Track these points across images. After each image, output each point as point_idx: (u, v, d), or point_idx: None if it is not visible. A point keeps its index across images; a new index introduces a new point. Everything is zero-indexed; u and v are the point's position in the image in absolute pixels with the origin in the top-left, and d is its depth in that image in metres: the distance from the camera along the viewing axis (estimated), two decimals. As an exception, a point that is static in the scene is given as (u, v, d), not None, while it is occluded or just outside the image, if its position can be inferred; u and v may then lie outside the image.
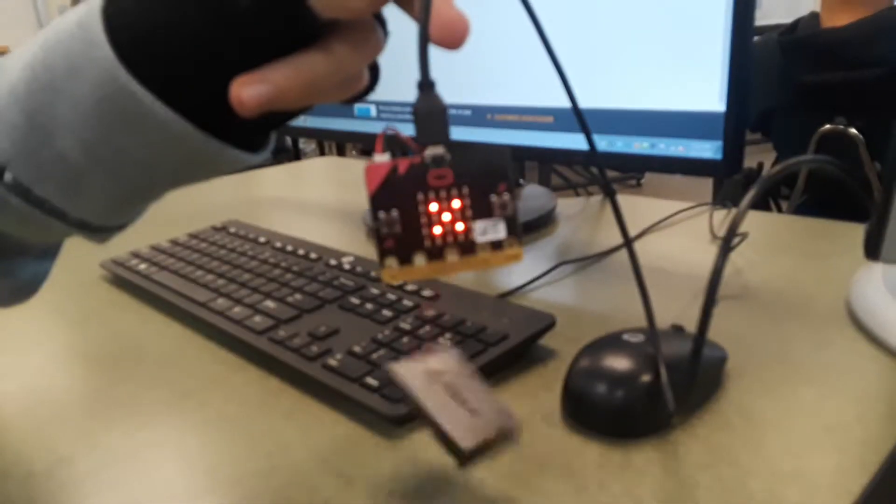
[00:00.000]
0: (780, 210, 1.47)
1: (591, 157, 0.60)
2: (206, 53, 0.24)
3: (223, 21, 0.23)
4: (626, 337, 0.38)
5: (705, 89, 0.50)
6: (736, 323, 0.47)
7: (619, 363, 0.36)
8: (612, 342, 0.38)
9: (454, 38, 0.24)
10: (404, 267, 0.25)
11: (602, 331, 0.40)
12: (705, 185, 1.85)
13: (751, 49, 0.49)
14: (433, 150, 0.24)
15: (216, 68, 0.24)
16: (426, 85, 0.24)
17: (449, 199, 0.25)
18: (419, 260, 0.25)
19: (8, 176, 0.25)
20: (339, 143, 3.23)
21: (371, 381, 0.39)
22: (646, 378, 0.35)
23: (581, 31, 0.55)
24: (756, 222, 0.67)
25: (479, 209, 0.25)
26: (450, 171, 0.25)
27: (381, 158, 0.25)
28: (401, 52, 0.42)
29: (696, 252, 0.61)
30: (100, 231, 0.28)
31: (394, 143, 0.28)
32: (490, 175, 0.25)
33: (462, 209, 0.25)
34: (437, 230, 0.25)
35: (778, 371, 0.41)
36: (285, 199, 0.92)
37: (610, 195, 0.32)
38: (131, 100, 0.23)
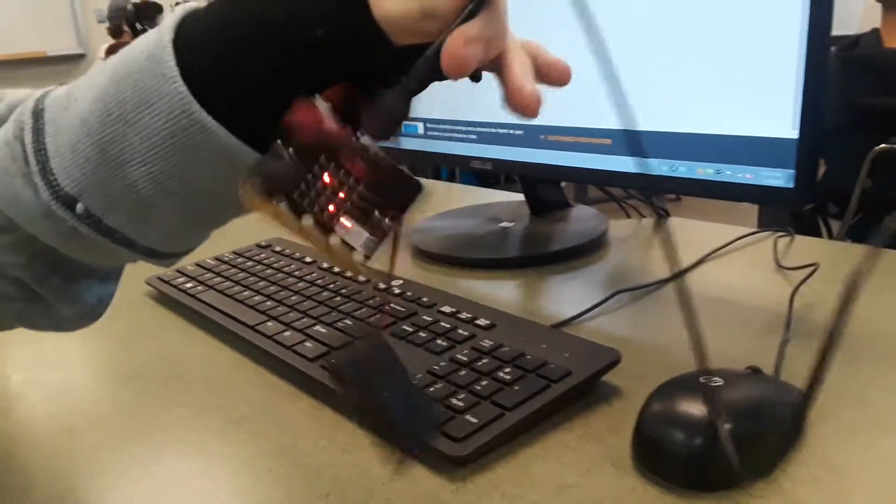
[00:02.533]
0: (829, 231, 1.42)
1: (650, 183, 0.58)
2: (278, 85, 0.24)
3: (296, 53, 0.23)
4: (702, 379, 0.36)
5: (777, 114, 0.48)
6: (810, 363, 0.44)
7: (696, 409, 0.34)
8: (687, 385, 0.36)
9: (528, 112, 0.25)
10: (264, 199, 0.24)
11: (667, 367, 0.38)
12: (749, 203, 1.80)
13: (827, 71, 0.47)
14: (368, 140, 0.24)
15: (286, 101, 0.24)
16: (410, 91, 0.25)
17: (344, 183, 0.24)
18: (280, 201, 0.24)
19: (80, 206, 0.25)
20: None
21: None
22: (727, 427, 0.33)
23: (645, 49, 0.53)
24: (825, 252, 0.64)
25: (359, 213, 0.24)
26: (363, 166, 0.24)
27: (322, 105, 0.24)
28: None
29: (761, 282, 0.58)
30: (166, 257, 0.29)
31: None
32: (393, 195, 0.24)
33: (346, 199, 0.24)
34: (314, 195, 0.24)
35: (857, 418, 0.38)
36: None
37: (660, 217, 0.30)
38: (203, 133, 0.23)
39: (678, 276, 0.30)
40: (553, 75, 0.28)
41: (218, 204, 0.26)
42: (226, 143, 0.23)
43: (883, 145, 1.20)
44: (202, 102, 0.23)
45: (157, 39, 0.24)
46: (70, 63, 4.10)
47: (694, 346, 0.31)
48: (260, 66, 0.23)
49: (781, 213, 1.40)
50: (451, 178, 2.75)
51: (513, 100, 0.25)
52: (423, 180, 0.26)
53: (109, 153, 0.24)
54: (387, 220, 0.24)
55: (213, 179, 0.25)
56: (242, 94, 0.24)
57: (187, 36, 0.24)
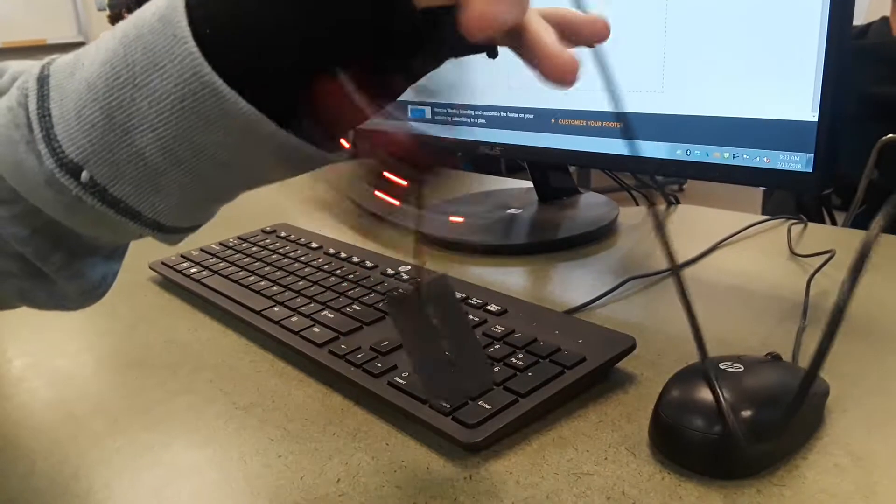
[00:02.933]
0: (833, 221, 1.41)
1: (661, 166, 0.57)
2: (293, 47, 0.23)
3: (312, 15, 0.22)
4: (723, 366, 0.35)
5: (796, 96, 0.47)
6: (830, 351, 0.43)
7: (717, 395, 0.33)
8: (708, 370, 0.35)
9: (568, 80, 0.25)
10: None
11: (682, 354, 0.37)
12: (753, 193, 1.78)
13: (849, 52, 0.46)
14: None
15: (303, 63, 0.23)
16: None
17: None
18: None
19: (84, 175, 0.24)
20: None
21: (442, 402, 0.37)
22: (748, 413, 0.32)
23: (659, 29, 0.52)
24: (839, 240, 0.63)
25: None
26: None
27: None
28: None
29: (774, 269, 0.57)
30: (172, 232, 0.28)
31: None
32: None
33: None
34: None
35: (879, 406, 0.38)
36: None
37: (654, 209, 0.29)
38: (214, 97, 0.22)
39: (680, 266, 0.29)
40: (590, 33, 0.27)
41: (228, 173, 0.25)
42: (237, 108, 0.22)
43: (890, 135, 1.18)
44: (214, 65, 0.22)
45: (168, 0, 0.23)
46: (70, 51, 4.08)
47: (694, 336, 0.30)
48: (274, 29, 0.22)
49: (786, 203, 1.39)
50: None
51: (549, 69, 0.24)
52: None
53: (116, 118, 0.23)
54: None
55: (224, 146, 0.24)
56: (255, 58, 0.23)
57: None
